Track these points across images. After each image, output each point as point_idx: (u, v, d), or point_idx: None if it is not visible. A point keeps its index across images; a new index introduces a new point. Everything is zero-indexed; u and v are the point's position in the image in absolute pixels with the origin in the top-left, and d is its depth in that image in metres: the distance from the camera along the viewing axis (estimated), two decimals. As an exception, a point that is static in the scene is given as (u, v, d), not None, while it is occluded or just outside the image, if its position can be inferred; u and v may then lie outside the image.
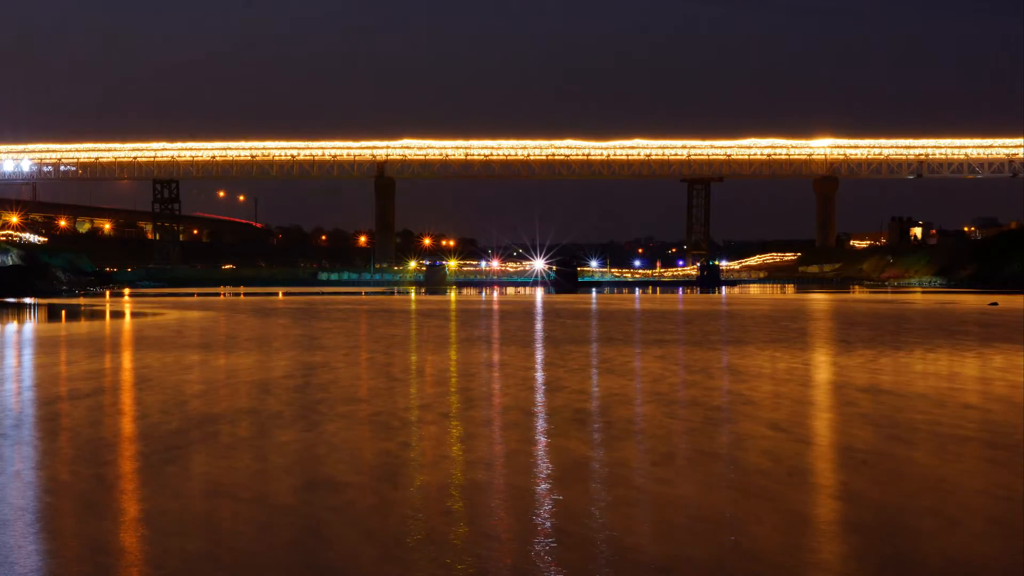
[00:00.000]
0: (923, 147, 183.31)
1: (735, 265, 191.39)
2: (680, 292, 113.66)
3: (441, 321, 46.93)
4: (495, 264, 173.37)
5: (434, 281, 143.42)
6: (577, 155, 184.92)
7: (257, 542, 8.78)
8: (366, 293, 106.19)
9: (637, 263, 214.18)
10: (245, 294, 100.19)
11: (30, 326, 44.28)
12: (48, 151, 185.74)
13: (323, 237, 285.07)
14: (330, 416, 15.78)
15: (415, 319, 48.99)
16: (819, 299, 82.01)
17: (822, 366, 24.18)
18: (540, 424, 15.08)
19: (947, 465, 12.05)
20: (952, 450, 13.00)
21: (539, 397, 18.31)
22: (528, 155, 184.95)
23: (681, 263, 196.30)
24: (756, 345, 30.07)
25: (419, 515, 9.58)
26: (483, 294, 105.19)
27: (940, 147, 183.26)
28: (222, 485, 10.90)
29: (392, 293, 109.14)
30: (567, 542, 8.66)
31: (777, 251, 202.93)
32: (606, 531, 9.07)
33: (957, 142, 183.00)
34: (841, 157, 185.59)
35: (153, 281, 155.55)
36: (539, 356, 26.83)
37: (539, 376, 21.79)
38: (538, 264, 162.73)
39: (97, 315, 54.04)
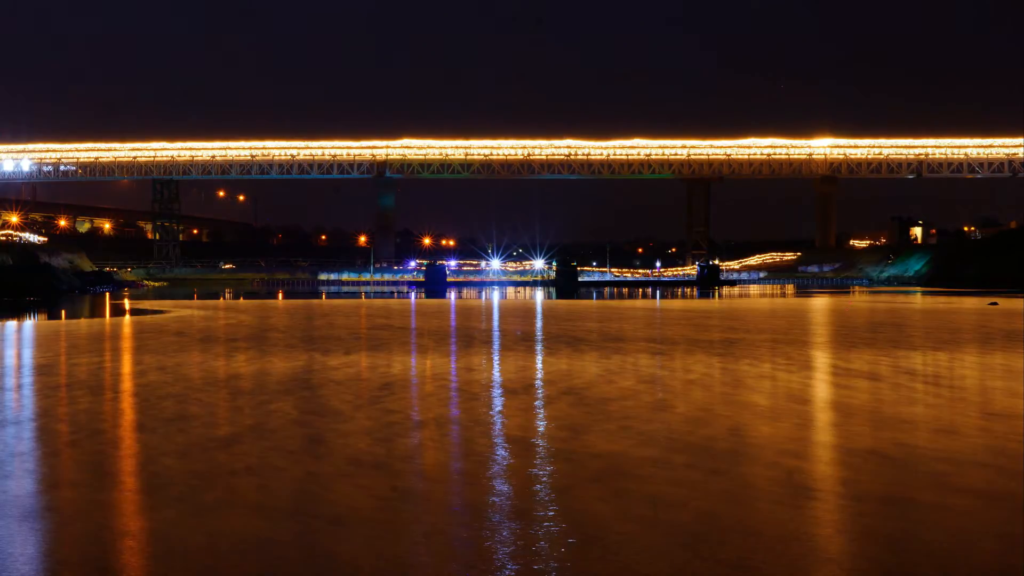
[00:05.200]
0: (923, 147, 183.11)
1: (735, 265, 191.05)
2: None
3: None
4: (495, 264, 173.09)
5: (434, 281, 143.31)
6: (577, 155, 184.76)
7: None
8: (368, 295, 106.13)
9: (637, 263, 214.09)
10: (245, 296, 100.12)
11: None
12: (48, 151, 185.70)
13: (323, 237, 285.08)
14: None
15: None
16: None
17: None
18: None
19: None
20: None
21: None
22: (528, 155, 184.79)
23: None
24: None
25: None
26: (482, 296, 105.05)
27: (940, 147, 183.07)
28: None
29: (392, 295, 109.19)
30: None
31: (777, 251, 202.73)
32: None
33: (957, 142, 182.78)
34: (841, 157, 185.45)
35: (152, 281, 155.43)
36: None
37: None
38: (538, 264, 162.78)
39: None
